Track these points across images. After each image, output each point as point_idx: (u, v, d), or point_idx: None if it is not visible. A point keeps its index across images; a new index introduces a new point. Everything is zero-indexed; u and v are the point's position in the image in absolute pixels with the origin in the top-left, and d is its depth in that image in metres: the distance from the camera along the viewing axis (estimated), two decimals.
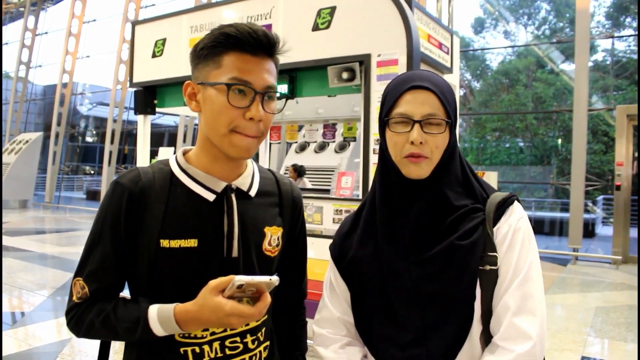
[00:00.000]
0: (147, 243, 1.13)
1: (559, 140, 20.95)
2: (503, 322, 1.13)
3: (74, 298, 1.15)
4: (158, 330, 1.08)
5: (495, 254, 1.17)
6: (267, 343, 1.30)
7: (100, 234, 1.15)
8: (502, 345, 1.12)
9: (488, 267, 1.16)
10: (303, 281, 1.44)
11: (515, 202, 1.24)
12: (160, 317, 1.08)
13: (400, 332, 1.20)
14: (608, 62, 21.94)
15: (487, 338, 1.17)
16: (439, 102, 1.17)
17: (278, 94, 1.19)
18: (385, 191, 1.25)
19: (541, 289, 1.17)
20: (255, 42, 1.11)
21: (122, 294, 1.20)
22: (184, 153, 1.24)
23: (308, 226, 3.56)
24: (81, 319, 1.13)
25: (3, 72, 26.35)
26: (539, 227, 14.34)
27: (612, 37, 19.79)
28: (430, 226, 1.19)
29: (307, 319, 1.47)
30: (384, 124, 1.22)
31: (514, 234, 1.18)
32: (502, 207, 1.21)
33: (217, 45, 1.11)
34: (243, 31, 1.10)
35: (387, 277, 1.22)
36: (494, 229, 1.19)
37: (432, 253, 1.17)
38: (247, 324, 1.21)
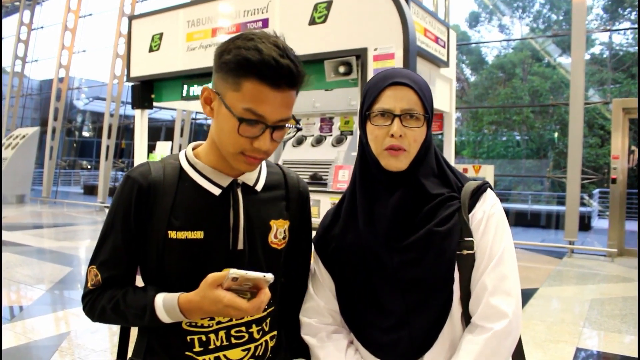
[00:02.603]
0: (155, 234, 1.19)
1: (556, 134, 20.99)
2: (481, 302, 1.19)
3: (89, 284, 1.22)
4: (164, 317, 1.14)
5: (471, 239, 1.23)
6: (274, 333, 1.34)
7: (112, 225, 1.21)
8: (480, 324, 1.18)
9: (465, 252, 1.23)
10: (307, 276, 1.46)
11: (488, 189, 1.31)
12: (165, 305, 1.14)
13: (384, 317, 1.26)
14: (605, 55, 21.96)
15: (467, 319, 1.23)
16: (417, 98, 1.24)
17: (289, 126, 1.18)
18: (365, 182, 1.31)
19: (515, 270, 1.24)
20: (278, 76, 1.09)
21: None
22: (194, 148, 1.28)
23: None
24: (94, 305, 1.20)
25: None
26: (536, 220, 14.39)
27: (609, 30, 19.81)
28: (408, 214, 1.25)
29: None
30: (365, 118, 1.29)
31: (488, 219, 1.25)
32: (476, 194, 1.28)
33: (238, 68, 1.09)
34: (268, 63, 1.07)
35: (370, 265, 1.27)
36: (469, 215, 1.26)
37: (411, 240, 1.23)
38: (253, 315, 1.24)
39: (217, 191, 1.23)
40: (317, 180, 6.57)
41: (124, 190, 1.20)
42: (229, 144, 1.15)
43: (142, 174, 1.21)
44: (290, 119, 1.17)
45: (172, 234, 1.19)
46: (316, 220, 3.92)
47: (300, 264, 1.43)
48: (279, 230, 1.30)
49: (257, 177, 1.30)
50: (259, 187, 1.29)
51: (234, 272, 1.04)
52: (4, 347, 3.98)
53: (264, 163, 1.34)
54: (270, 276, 1.06)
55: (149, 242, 1.20)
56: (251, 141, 1.13)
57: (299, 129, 1.22)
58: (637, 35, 12.87)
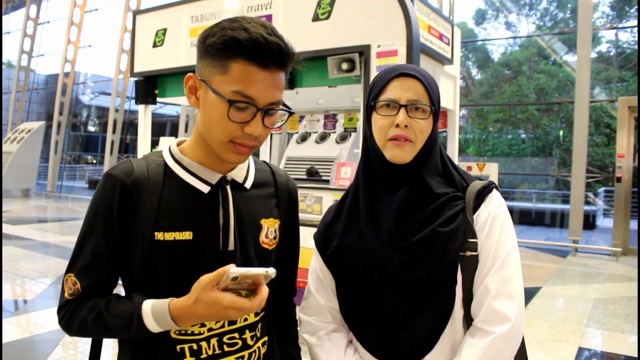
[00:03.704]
0: (140, 236, 1.10)
1: (561, 132, 20.90)
2: (483, 305, 1.17)
3: (66, 295, 1.11)
4: (153, 326, 1.05)
5: (475, 240, 1.21)
6: (265, 339, 1.28)
7: (92, 228, 1.11)
8: (482, 327, 1.16)
9: (469, 253, 1.20)
10: (294, 279, 1.43)
11: (494, 190, 1.28)
12: (154, 313, 1.05)
13: (384, 317, 1.24)
14: (612, 53, 21.84)
15: (469, 321, 1.21)
16: (424, 89, 1.22)
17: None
18: (368, 179, 1.29)
19: (519, 273, 1.21)
20: (267, 55, 1.04)
21: (115, 291, 1.17)
22: (178, 144, 1.21)
23: (307, 216, 3.57)
24: (73, 316, 1.10)
25: (6, 61, 26.35)
26: (540, 219, 14.34)
27: (615, 28, 19.69)
28: (412, 214, 1.23)
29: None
30: (370, 109, 1.27)
31: (493, 220, 1.22)
32: (482, 195, 1.25)
33: (225, 49, 1.04)
34: (256, 40, 1.02)
35: (371, 264, 1.24)
36: (474, 216, 1.23)
37: (414, 240, 1.21)
38: (246, 319, 1.19)
39: (205, 189, 1.15)
40: (313, 175, 6.56)
41: (105, 189, 1.11)
42: (218, 131, 1.07)
43: (124, 171, 1.12)
44: (281, 102, 1.10)
45: (159, 235, 1.10)
46: (317, 217, 3.92)
47: (290, 263, 1.38)
48: (269, 230, 1.24)
49: (246, 174, 1.23)
50: (248, 184, 1.22)
51: (234, 270, 0.96)
52: (7, 340, 4.01)
53: (251, 159, 1.27)
54: (272, 271, 0.98)
55: (133, 245, 1.11)
56: (242, 127, 1.06)
57: (291, 113, 1.16)
58: (638, 36, 12.77)
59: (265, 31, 1.04)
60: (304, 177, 6.21)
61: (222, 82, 1.05)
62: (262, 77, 1.05)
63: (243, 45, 1.03)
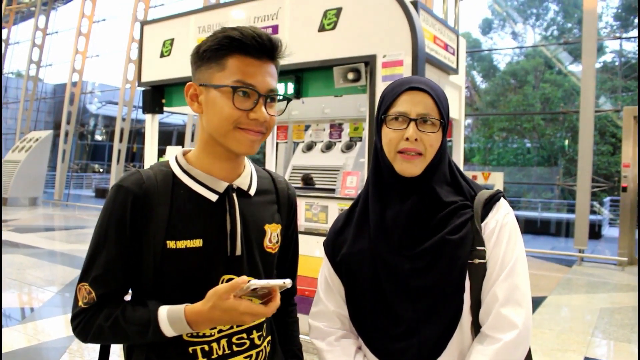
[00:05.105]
0: (153, 245, 1.15)
1: (566, 141, 20.85)
2: (491, 312, 1.19)
3: (80, 303, 1.15)
4: (168, 331, 1.10)
5: (483, 248, 1.23)
6: (269, 337, 1.33)
7: (105, 238, 1.15)
8: (490, 334, 1.18)
9: (477, 261, 1.22)
10: (295, 278, 1.47)
11: (502, 198, 1.30)
12: (170, 318, 1.10)
13: (393, 324, 1.26)
14: (617, 63, 21.80)
15: (477, 328, 1.22)
16: (434, 103, 1.24)
17: (280, 97, 1.21)
18: (378, 188, 1.31)
19: (527, 281, 1.23)
20: (259, 46, 1.14)
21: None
22: (184, 154, 1.26)
23: (314, 225, 3.60)
24: (89, 324, 1.14)
25: (15, 71, 26.59)
26: (545, 228, 14.30)
27: (620, 38, 19.69)
28: (421, 222, 1.25)
29: (300, 315, 1.51)
30: (380, 122, 1.29)
31: (501, 229, 1.24)
32: (490, 203, 1.27)
33: (220, 48, 1.13)
34: (247, 35, 1.13)
35: (380, 272, 1.26)
36: (482, 224, 1.25)
37: (423, 247, 1.23)
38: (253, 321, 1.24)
39: (213, 197, 1.20)
40: (308, 182, 6.57)
41: (117, 200, 1.15)
42: (224, 120, 1.13)
43: (135, 182, 1.16)
44: (277, 90, 1.19)
45: (171, 244, 1.15)
46: (323, 226, 3.91)
47: (291, 264, 1.44)
48: (272, 235, 1.30)
49: (250, 182, 1.28)
50: (252, 192, 1.28)
51: (254, 282, 1.03)
52: (15, 348, 4.04)
53: (253, 167, 1.33)
54: (288, 282, 1.06)
55: (145, 254, 1.16)
56: (247, 114, 1.13)
57: (289, 100, 1.26)
58: (638, 44, 12.79)
59: (254, 29, 1.15)
60: (311, 186, 6.23)
61: (222, 77, 1.14)
62: (258, 66, 1.15)
63: (237, 41, 1.13)
